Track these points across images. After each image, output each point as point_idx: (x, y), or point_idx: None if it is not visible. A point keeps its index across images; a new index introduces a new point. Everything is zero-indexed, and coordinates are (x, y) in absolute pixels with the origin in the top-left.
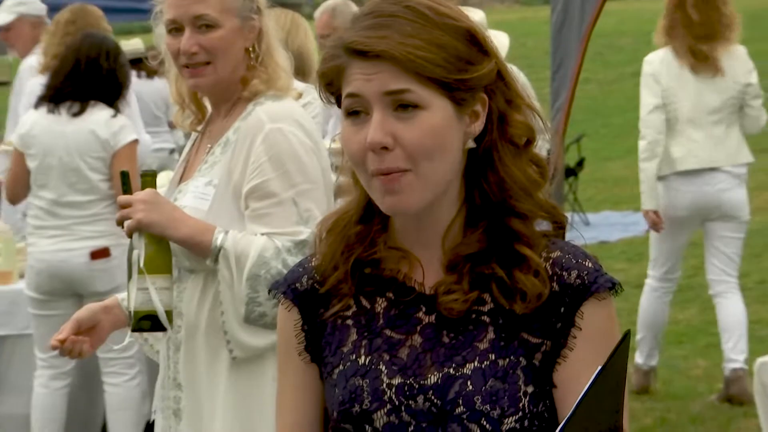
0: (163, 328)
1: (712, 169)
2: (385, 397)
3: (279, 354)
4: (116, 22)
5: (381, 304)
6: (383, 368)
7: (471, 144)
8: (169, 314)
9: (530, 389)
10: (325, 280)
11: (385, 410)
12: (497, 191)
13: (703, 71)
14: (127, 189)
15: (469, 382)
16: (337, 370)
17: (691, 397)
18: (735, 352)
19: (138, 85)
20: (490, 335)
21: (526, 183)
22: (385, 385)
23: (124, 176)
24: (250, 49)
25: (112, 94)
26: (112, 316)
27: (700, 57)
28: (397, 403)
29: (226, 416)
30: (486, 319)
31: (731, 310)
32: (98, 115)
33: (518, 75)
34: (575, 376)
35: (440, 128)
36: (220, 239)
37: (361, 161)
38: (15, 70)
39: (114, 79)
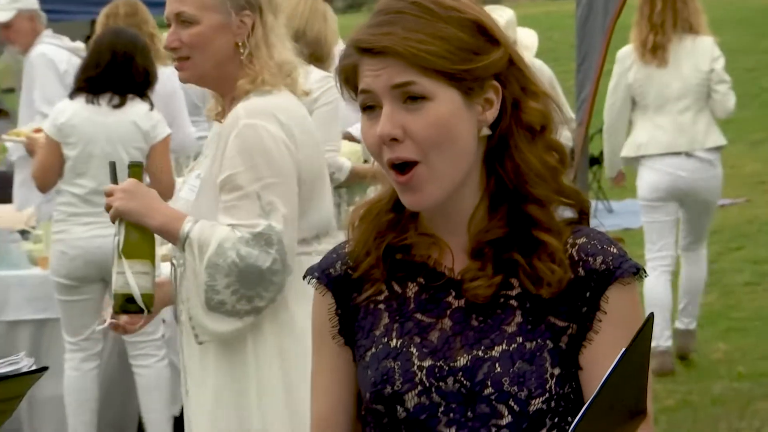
0: (142, 310)
1: (676, 154)
2: (416, 379)
3: (313, 337)
4: (157, 16)
5: (412, 289)
6: (414, 351)
7: (486, 131)
8: (148, 297)
9: (557, 371)
10: (358, 265)
11: (416, 391)
12: (514, 177)
13: (652, 61)
14: (114, 178)
15: (497, 365)
16: (369, 353)
17: (712, 380)
18: (684, 313)
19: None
20: (518, 319)
21: (542, 169)
22: (416, 367)
23: (112, 166)
24: (240, 44)
25: (145, 88)
26: (163, 293)
27: (652, 48)
28: (427, 384)
29: (214, 400)
30: (513, 303)
31: (689, 276)
32: (138, 108)
33: (545, 70)
34: (600, 359)
35: (448, 117)
36: (188, 228)
37: (378, 153)
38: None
39: (147, 75)
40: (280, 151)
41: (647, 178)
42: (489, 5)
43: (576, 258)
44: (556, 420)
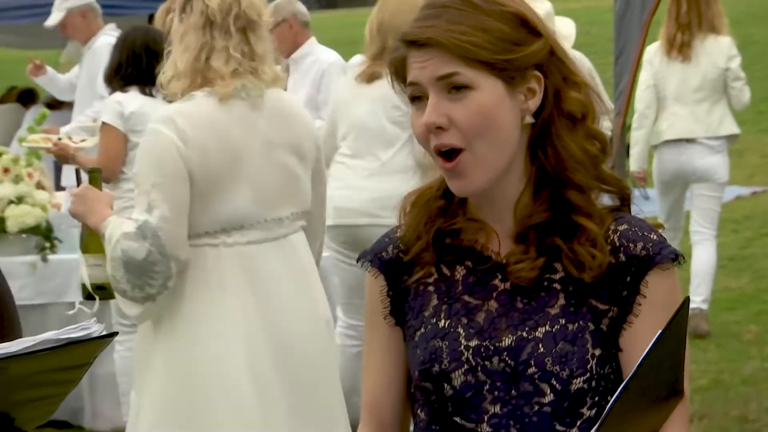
0: (109, 297)
1: (690, 140)
2: (463, 358)
3: (366, 318)
4: None
5: (460, 272)
6: (461, 331)
7: (529, 120)
8: (103, 285)
9: (597, 352)
10: (409, 249)
11: (463, 370)
12: (555, 164)
13: (678, 57)
14: (78, 183)
15: (540, 345)
16: (418, 333)
17: (743, 360)
18: (696, 293)
19: None
20: (561, 301)
21: (582, 156)
22: (462, 346)
23: (77, 172)
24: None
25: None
26: None
27: (676, 45)
28: (473, 363)
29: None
30: (557, 286)
31: (703, 258)
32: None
33: (584, 61)
34: (639, 341)
35: (490, 106)
36: (103, 227)
37: (425, 141)
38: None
39: None
40: (170, 154)
41: (664, 161)
42: None
43: (617, 244)
44: (596, 399)
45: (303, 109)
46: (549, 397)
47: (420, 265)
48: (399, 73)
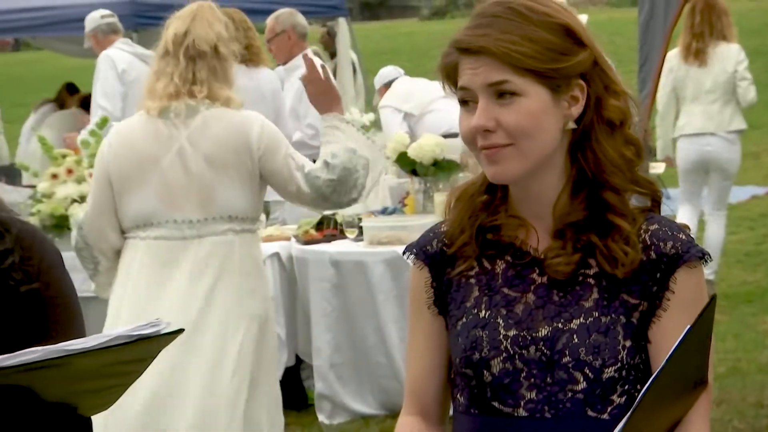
0: None
1: (704, 134)
2: (502, 347)
3: (410, 307)
4: (256, 23)
5: (500, 266)
6: (501, 321)
7: (572, 125)
8: None
9: (628, 343)
10: (452, 243)
11: (501, 358)
12: (593, 167)
13: (694, 62)
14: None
15: (575, 336)
16: (460, 322)
17: (759, 350)
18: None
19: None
20: (595, 295)
21: (619, 160)
22: (501, 336)
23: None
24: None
25: None
26: None
27: (692, 51)
28: (511, 352)
29: None
30: (591, 281)
31: (714, 233)
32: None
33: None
34: (667, 334)
35: (537, 112)
36: None
37: (471, 141)
38: None
39: None
40: (99, 161)
41: (683, 151)
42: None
43: (648, 242)
44: (626, 387)
45: (238, 120)
46: (582, 385)
47: (462, 258)
48: (450, 77)
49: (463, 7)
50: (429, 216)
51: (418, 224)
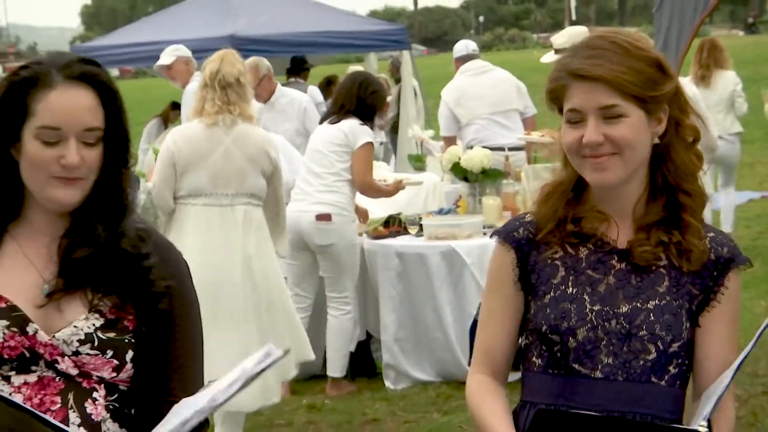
0: None
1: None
2: (587, 319)
3: (491, 282)
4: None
5: (583, 252)
6: (586, 297)
7: (656, 140)
8: None
9: (687, 325)
10: (540, 231)
11: (586, 328)
12: (673, 175)
13: (701, 85)
14: None
15: (651, 314)
16: (548, 296)
17: (755, 328)
18: (726, 222)
19: None
20: (667, 283)
21: (692, 169)
22: (587, 309)
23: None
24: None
25: (366, 112)
26: None
27: (699, 77)
28: (595, 323)
29: None
30: (663, 271)
31: (725, 201)
32: (348, 122)
33: (690, 86)
34: (714, 321)
35: (637, 130)
36: None
37: (576, 151)
38: None
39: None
40: (166, 151)
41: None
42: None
43: (709, 246)
44: (680, 361)
45: (263, 137)
46: (653, 355)
47: (549, 244)
48: (557, 99)
49: (507, 42)
50: (478, 216)
51: (468, 222)
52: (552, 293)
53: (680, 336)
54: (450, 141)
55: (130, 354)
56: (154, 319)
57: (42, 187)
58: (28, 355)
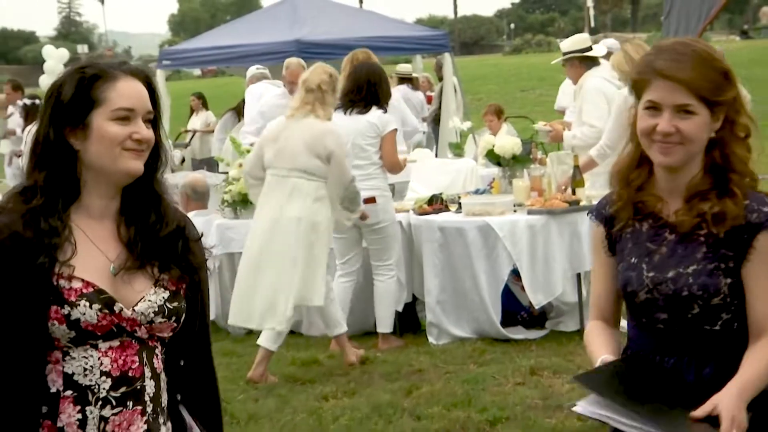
0: None
1: None
2: (644, 284)
3: (592, 251)
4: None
5: (644, 226)
6: (644, 266)
7: (712, 134)
8: None
9: (728, 281)
10: (616, 209)
11: (644, 291)
12: (722, 161)
13: None
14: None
15: (690, 278)
16: (620, 265)
17: None
18: None
19: (406, 92)
20: (704, 249)
21: (743, 158)
22: (644, 276)
23: None
24: None
25: (381, 101)
26: None
27: None
28: (651, 287)
29: None
30: (701, 239)
31: None
32: (374, 113)
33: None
34: (749, 276)
35: (701, 127)
36: None
37: (648, 135)
38: None
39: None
40: (262, 137)
41: None
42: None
43: (743, 213)
44: (732, 308)
45: (322, 129)
46: (696, 310)
47: (621, 219)
48: (639, 89)
49: (535, 45)
50: (509, 195)
51: (501, 201)
52: (623, 263)
53: (719, 291)
54: None
55: (183, 316)
56: (193, 286)
57: (115, 160)
58: (115, 329)
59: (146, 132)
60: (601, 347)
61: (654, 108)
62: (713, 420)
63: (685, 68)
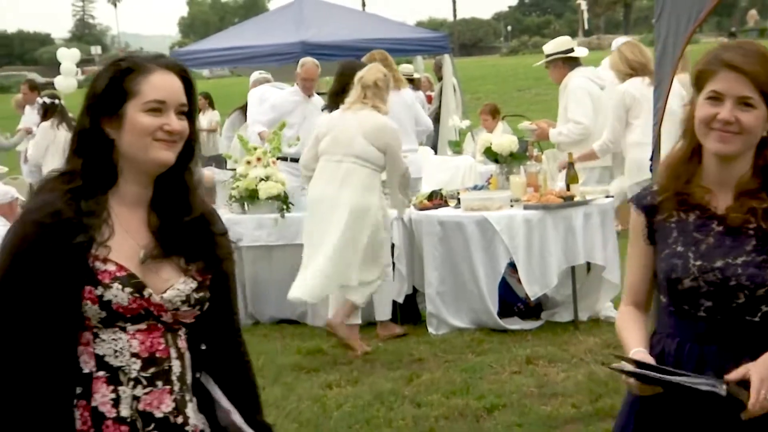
0: None
1: None
2: (690, 271)
3: (631, 238)
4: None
5: (691, 217)
6: (690, 255)
7: (764, 133)
8: None
9: None
10: (660, 199)
11: (690, 278)
12: None
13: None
14: None
15: (738, 268)
16: (664, 252)
17: None
18: None
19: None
20: (754, 242)
21: None
22: (691, 264)
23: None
24: None
25: None
26: None
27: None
28: (697, 275)
29: None
30: (751, 233)
31: None
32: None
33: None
34: None
35: (759, 120)
36: None
37: (707, 123)
38: None
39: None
40: (317, 128)
41: None
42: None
43: None
44: (764, 306)
45: (380, 122)
46: (741, 299)
47: (666, 209)
48: (703, 79)
49: (531, 47)
50: (506, 191)
51: (498, 196)
52: (667, 250)
53: (765, 283)
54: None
55: (207, 305)
56: (219, 276)
57: (146, 149)
58: (143, 312)
59: (177, 124)
60: (634, 337)
61: (716, 98)
62: (745, 384)
63: (752, 62)
